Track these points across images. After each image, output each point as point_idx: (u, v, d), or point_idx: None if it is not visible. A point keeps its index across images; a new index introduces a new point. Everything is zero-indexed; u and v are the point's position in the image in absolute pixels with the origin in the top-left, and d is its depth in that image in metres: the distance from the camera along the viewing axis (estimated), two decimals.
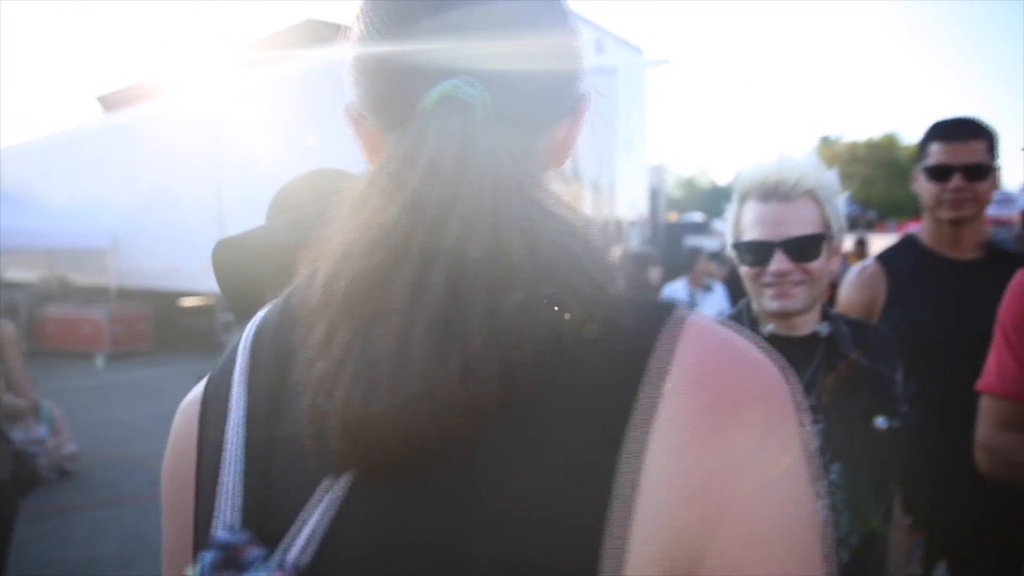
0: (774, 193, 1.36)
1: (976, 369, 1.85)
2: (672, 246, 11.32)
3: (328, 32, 10.39)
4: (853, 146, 53.80)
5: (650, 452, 0.39)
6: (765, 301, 1.40)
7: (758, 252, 1.37)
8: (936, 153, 1.95)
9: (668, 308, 0.46)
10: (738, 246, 1.42)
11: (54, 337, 11.77)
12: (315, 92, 8.79)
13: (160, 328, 11.97)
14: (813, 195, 1.36)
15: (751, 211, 1.40)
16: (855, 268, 2.15)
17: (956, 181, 1.91)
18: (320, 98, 8.68)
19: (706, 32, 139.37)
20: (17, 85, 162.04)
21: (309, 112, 8.55)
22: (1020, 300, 1.47)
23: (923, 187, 2.00)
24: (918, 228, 2.11)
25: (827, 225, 1.38)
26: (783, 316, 1.40)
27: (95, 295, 12.59)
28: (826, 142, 57.31)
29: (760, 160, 1.44)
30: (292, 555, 0.42)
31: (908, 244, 2.10)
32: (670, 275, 7.05)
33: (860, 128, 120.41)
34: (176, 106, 11.19)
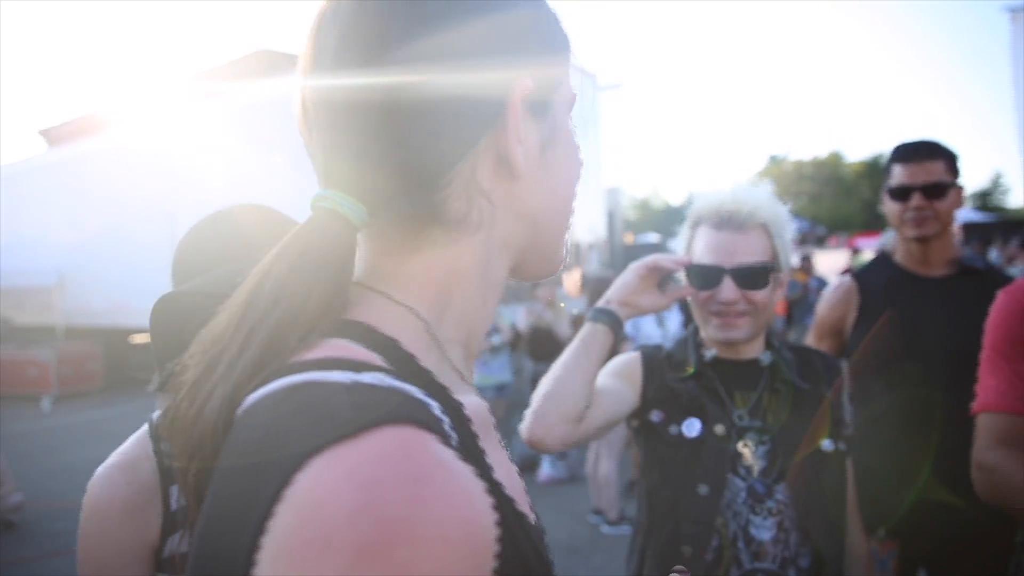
0: (728, 222, 1.40)
1: (943, 384, 1.89)
2: None
3: (282, 62, 10.32)
4: (800, 164, 55.55)
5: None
6: (711, 329, 1.44)
7: (708, 276, 1.41)
8: (897, 175, 2.02)
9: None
10: (689, 269, 1.46)
11: None
12: (269, 123, 8.70)
13: (111, 367, 11.54)
14: (765, 228, 1.41)
15: (704, 237, 1.43)
16: (832, 284, 2.22)
17: (916, 200, 1.97)
18: (274, 129, 8.59)
19: (657, 56, 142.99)
20: None
21: (264, 143, 8.44)
22: (1010, 317, 1.46)
23: (888, 208, 2.06)
24: (890, 244, 2.19)
25: (775, 257, 1.42)
26: (727, 344, 1.44)
27: (40, 335, 12.10)
28: (774, 161, 59.04)
29: (716, 186, 1.48)
30: None
31: (882, 261, 2.17)
32: None
33: (806, 147, 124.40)
34: (124, 139, 10.94)
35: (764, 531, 1.32)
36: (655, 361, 1.50)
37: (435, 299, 0.56)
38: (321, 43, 0.53)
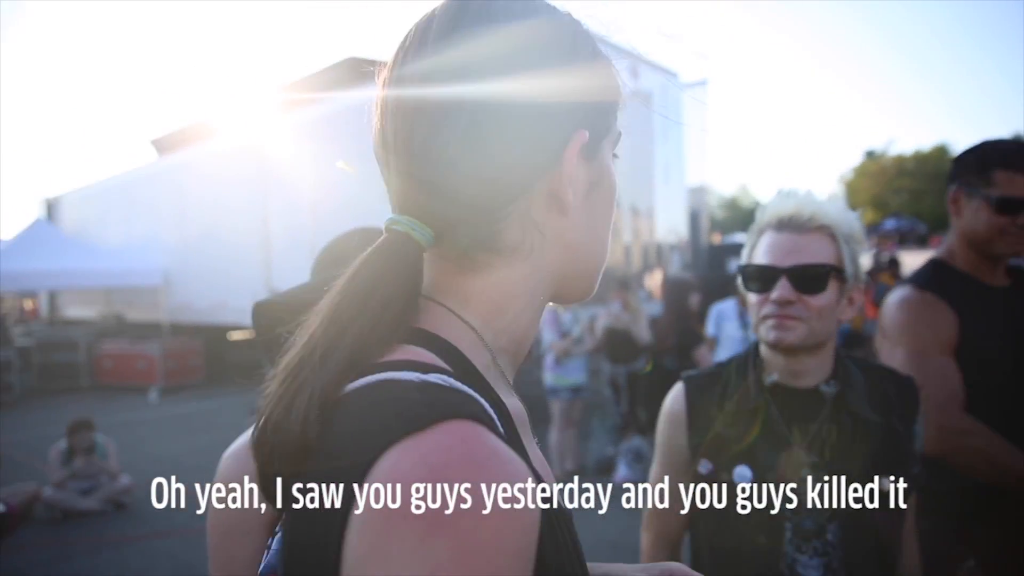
0: (788, 223, 1.36)
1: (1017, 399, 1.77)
2: (716, 268, 11.14)
3: (369, 69, 10.62)
4: (900, 159, 52.47)
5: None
6: (763, 331, 1.37)
7: (763, 277, 1.36)
8: (1007, 184, 1.79)
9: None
10: (745, 270, 1.41)
11: (111, 372, 12.17)
12: (357, 128, 8.99)
13: (210, 362, 12.26)
14: (829, 231, 1.34)
15: (764, 240, 1.39)
16: (911, 301, 1.89)
17: None
18: (362, 134, 8.87)
19: (745, 50, 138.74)
20: (79, 134, 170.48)
21: (351, 149, 8.73)
22: None
23: (983, 218, 1.82)
24: (943, 252, 1.94)
25: (840, 262, 1.33)
26: (783, 352, 1.35)
27: (148, 331, 13.00)
28: (871, 156, 56.03)
29: (782, 192, 1.43)
30: None
31: (945, 271, 1.92)
32: (712, 298, 6.91)
33: (908, 140, 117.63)
34: (223, 147, 11.58)
35: (811, 570, 1.28)
36: (702, 400, 1.42)
37: (490, 315, 0.63)
38: (403, 77, 0.63)
